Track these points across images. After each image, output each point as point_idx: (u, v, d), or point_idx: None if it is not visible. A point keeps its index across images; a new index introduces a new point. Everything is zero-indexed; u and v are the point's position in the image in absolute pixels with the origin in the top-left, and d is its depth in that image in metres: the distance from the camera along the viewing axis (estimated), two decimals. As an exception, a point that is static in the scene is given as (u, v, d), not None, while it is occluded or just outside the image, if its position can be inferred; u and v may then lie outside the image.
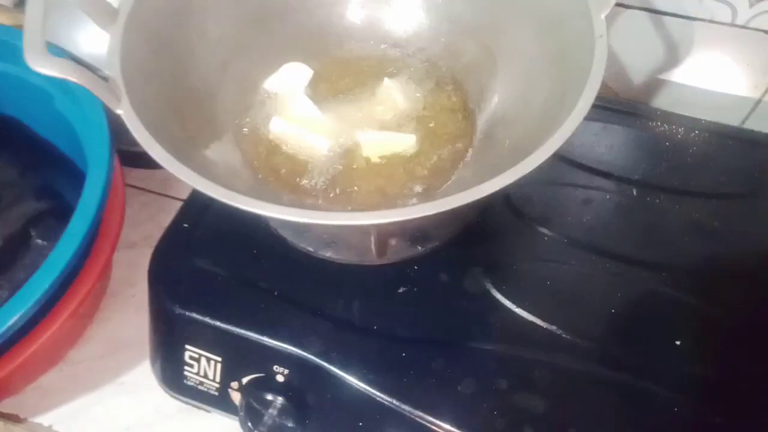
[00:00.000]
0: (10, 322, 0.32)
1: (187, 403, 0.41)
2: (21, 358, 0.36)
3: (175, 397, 0.41)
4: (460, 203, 0.27)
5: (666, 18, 0.50)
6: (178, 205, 0.55)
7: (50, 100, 0.45)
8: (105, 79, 0.31)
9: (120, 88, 0.31)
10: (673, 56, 0.52)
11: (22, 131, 0.47)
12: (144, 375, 0.44)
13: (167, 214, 0.54)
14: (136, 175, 0.54)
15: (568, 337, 0.36)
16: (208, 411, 0.41)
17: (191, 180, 0.29)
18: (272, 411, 0.35)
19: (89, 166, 0.38)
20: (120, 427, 0.42)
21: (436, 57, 0.44)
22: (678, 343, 0.36)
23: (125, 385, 0.44)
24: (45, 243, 0.37)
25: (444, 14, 0.43)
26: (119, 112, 0.30)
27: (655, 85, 0.54)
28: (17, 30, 0.48)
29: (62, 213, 0.39)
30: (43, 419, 0.43)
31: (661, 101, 0.55)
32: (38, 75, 0.45)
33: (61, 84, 0.44)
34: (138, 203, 0.54)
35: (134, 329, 0.46)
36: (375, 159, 0.38)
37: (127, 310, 0.47)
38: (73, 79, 0.29)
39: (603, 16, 0.33)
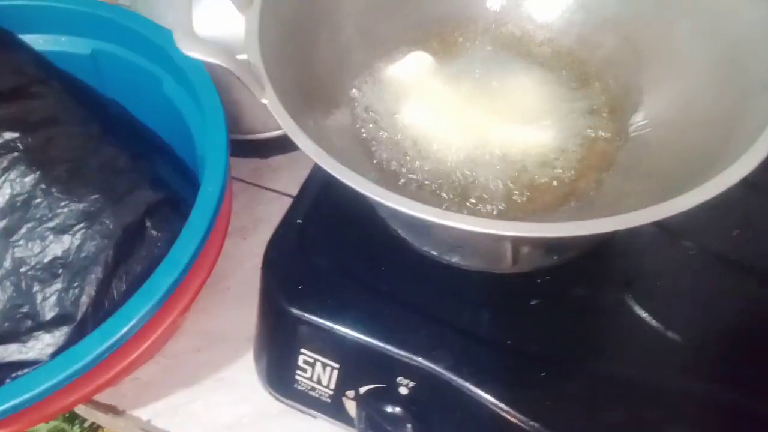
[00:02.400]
0: (138, 317, 0.30)
1: (292, 406, 0.39)
2: (138, 351, 0.34)
3: (279, 400, 0.39)
4: (640, 222, 0.24)
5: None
6: (270, 195, 0.54)
7: (158, 84, 0.43)
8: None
9: (263, 75, 0.29)
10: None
11: (126, 115, 0.46)
12: (242, 371, 0.43)
13: (258, 204, 0.53)
14: (228, 163, 0.53)
15: (718, 363, 0.33)
16: (314, 417, 0.39)
17: (344, 175, 0.26)
18: (395, 424, 0.33)
19: (208, 157, 0.36)
20: (220, 425, 0.41)
21: (568, 49, 0.40)
22: None
23: (223, 382, 0.43)
24: (160, 234, 0.35)
25: (580, 2, 0.40)
26: (264, 100, 0.28)
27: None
28: (120, 7, 0.46)
29: (174, 203, 0.38)
30: (142, 413, 0.42)
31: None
32: (146, 58, 0.45)
33: (170, 68, 0.43)
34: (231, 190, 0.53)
35: (230, 323, 0.45)
36: (511, 155, 0.35)
37: (223, 303, 0.46)
38: (225, 64, 0.27)
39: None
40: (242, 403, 0.41)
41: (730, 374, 0.33)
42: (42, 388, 0.29)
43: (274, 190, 0.53)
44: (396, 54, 0.40)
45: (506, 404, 0.32)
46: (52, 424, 0.85)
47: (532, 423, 0.31)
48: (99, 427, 0.90)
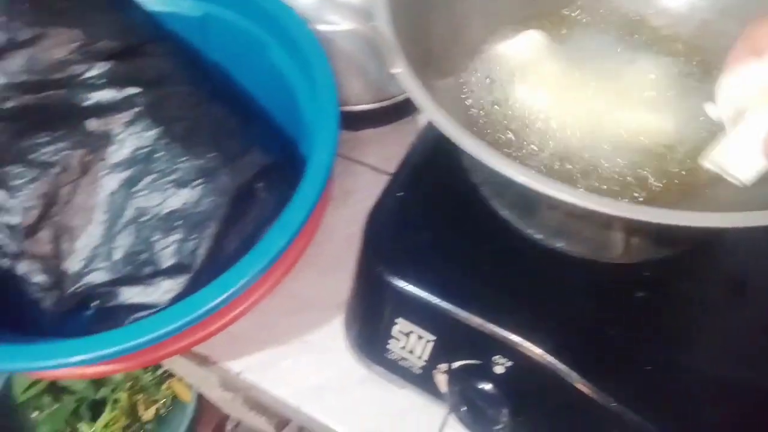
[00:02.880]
0: (251, 274, 0.32)
1: (380, 374, 0.40)
2: (242, 307, 0.36)
3: (369, 367, 0.40)
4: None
5: None
6: (360, 168, 0.54)
7: (265, 51, 0.44)
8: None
9: (393, 45, 0.29)
10: None
11: (231, 79, 0.47)
12: (329, 337, 0.44)
13: (348, 176, 0.53)
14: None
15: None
16: (401, 387, 0.40)
17: (480, 153, 0.26)
18: (490, 402, 0.33)
19: (318, 126, 0.37)
20: (309, 385, 0.42)
21: (689, 35, 0.39)
22: None
23: (310, 344, 0.44)
24: (269, 196, 0.36)
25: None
26: (396, 71, 0.28)
27: None
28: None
29: (282, 167, 0.39)
30: (233, 365, 0.43)
31: None
32: (255, 24, 0.45)
33: (279, 35, 0.43)
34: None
35: (318, 290, 0.46)
36: (629, 142, 0.34)
37: (313, 269, 0.47)
38: (363, 28, 0.27)
39: None
40: (328, 366, 0.43)
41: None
42: (161, 332, 0.31)
43: (363, 163, 0.53)
44: (510, 32, 0.39)
45: (605, 393, 0.31)
46: (127, 368, 0.89)
47: (631, 416, 0.31)
48: (170, 375, 0.94)
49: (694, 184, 0.34)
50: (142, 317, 0.32)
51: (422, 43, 0.35)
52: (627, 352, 0.32)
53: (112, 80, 0.39)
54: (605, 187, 0.33)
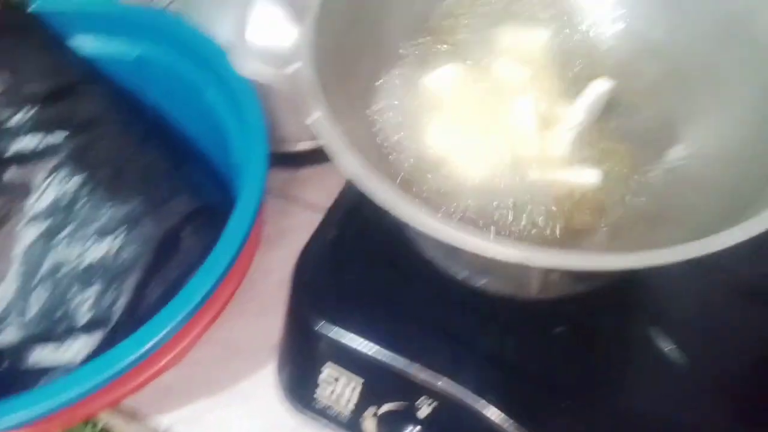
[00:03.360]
0: (171, 325, 0.31)
1: (311, 419, 0.39)
2: (166, 359, 0.35)
3: (298, 413, 0.40)
4: (678, 258, 0.25)
5: None
6: (298, 207, 0.54)
7: (200, 92, 0.44)
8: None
9: (315, 91, 0.30)
10: None
11: (165, 120, 0.47)
12: (261, 384, 0.43)
13: (286, 216, 0.53)
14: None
15: (746, 405, 0.33)
16: (332, 432, 0.39)
17: (390, 201, 0.27)
18: (416, 445, 0.33)
19: (248, 168, 0.37)
20: (238, 436, 0.41)
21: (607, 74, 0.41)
22: None
23: (242, 393, 0.43)
24: (195, 241, 0.36)
25: (627, 27, 0.40)
26: (315, 115, 0.29)
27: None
28: (168, 14, 0.47)
29: (211, 210, 0.38)
30: (161, 420, 0.42)
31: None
32: (190, 65, 0.46)
33: (213, 77, 0.44)
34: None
35: (252, 335, 0.45)
36: (539, 179, 0.35)
37: (246, 314, 0.46)
38: (278, 81, 0.27)
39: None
40: (259, 415, 0.42)
41: (756, 413, 0.33)
42: (73, 394, 0.29)
43: (302, 202, 0.54)
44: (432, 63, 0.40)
45: (526, 430, 0.32)
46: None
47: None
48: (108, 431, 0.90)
49: (607, 220, 0.35)
50: (54, 378, 0.31)
51: (345, 85, 0.36)
52: (546, 388, 0.33)
53: (38, 125, 0.38)
54: (515, 227, 0.34)
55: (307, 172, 0.55)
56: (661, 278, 0.37)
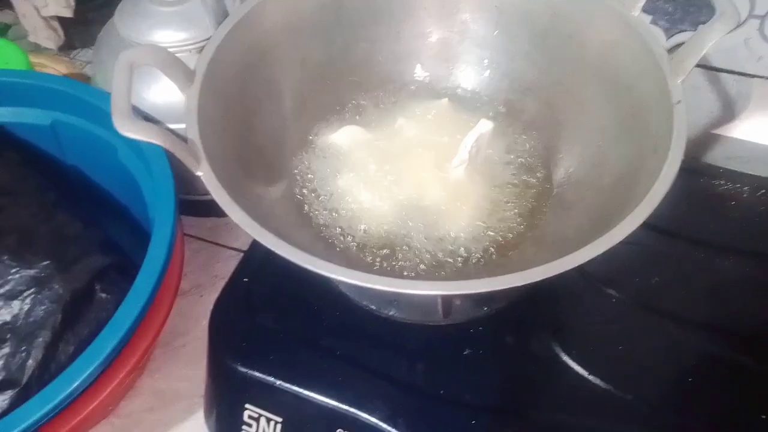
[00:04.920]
0: (79, 380, 0.32)
1: (241, 463, 0.40)
2: (83, 413, 0.35)
3: (229, 457, 0.40)
4: (548, 275, 0.27)
5: (722, 75, 0.49)
6: (228, 253, 0.55)
7: (113, 152, 0.45)
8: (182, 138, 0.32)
9: (199, 150, 0.31)
10: (729, 112, 0.51)
11: (84, 181, 0.48)
12: (194, 430, 0.43)
13: (216, 262, 0.54)
14: (185, 222, 0.55)
15: (643, 408, 0.35)
16: (263, 472, 0.40)
17: (274, 245, 0.29)
18: (335, 478, 0.34)
19: (155, 222, 0.38)
20: (170, 486, 0.41)
21: (494, 114, 0.44)
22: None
23: (176, 441, 0.43)
24: (108, 297, 0.37)
25: (503, 73, 0.44)
26: (199, 173, 0.31)
27: (708, 140, 0.54)
28: (77, 81, 0.49)
29: (124, 266, 0.39)
30: (95, 474, 0.42)
31: (715, 156, 0.54)
32: (102, 128, 0.47)
33: (124, 137, 0.45)
34: (188, 251, 0.54)
35: (185, 381, 0.46)
36: (438, 220, 0.38)
37: (177, 361, 0.47)
38: (159, 143, 0.29)
39: (679, 81, 0.33)
40: (193, 461, 0.42)
41: (655, 419, 0.34)
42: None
43: (231, 248, 0.55)
44: (333, 123, 0.43)
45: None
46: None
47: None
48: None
49: (502, 249, 0.37)
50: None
51: (246, 143, 0.38)
52: (457, 409, 0.34)
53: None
54: (412, 258, 0.36)
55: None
56: (560, 296, 0.40)
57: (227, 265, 0.53)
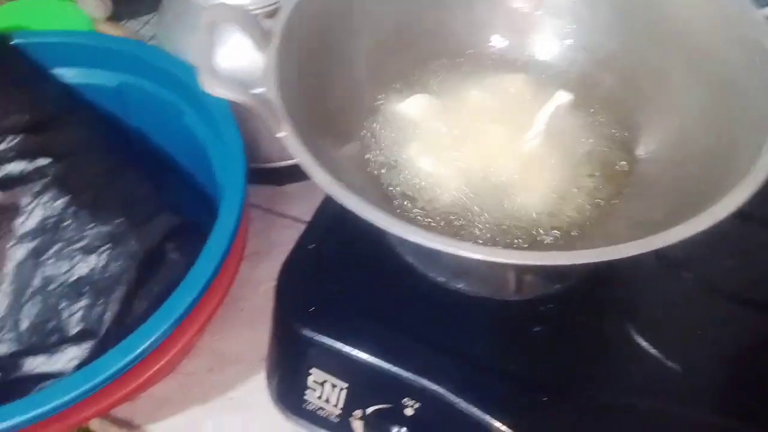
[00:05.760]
0: (156, 335, 0.32)
1: (301, 426, 0.40)
2: (154, 368, 0.36)
3: (289, 419, 0.41)
4: (641, 251, 0.26)
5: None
6: (284, 221, 0.55)
7: (180, 115, 0.46)
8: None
9: (280, 111, 0.31)
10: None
11: (148, 143, 0.48)
12: (253, 392, 0.44)
13: (273, 230, 0.54)
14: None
15: (718, 393, 0.34)
16: (322, 436, 0.40)
17: (356, 206, 0.28)
18: (400, 445, 0.34)
19: (227, 185, 0.38)
20: (231, 445, 0.42)
21: (570, 87, 0.42)
22: None
23: (235, 401, 0.44)
24: (178, 257, 0.37)
25: (580, 44, 0.42)
26: (281, 134, 0.30)
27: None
28: (145, 44, 0.49)
29: (192, 228, 0.40)
30: (156, 428, 0.43)
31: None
32: (169, 90, 0.47)
33: (192, 101, 0.45)
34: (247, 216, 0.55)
35: (243, 344, 0.46)
36: (509, 191, 0.37)
37: (236, 325, 0.47)
38: (244, 101, 0.29)
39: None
40: (252, 423, 0.43)
41: (728, 403, 0.34)
42: (65, 399, 0.30)
43: (288, 216, 0.55)
44: (403, 90, 0.42)
45: (507, 427, 0.33)
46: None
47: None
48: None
49: (577, 222, 0.36)
50: (47, 386, 0.32)
51: (319, 107, 0.37)
52: (525, 386, 0.34)
53: (22, 152, 0.39)
54: (489, 236, 0.35)
55: (292, 188, 0.57)
56: (633, 277, 0.39)
57: (283, 233, 0.54)
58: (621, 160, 0.38)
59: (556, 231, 0.35)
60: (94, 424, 0.45)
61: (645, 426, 0.33)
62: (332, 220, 0.42)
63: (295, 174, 0.56)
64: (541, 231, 0.36)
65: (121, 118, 0.48)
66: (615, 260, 0.26)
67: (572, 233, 0.35)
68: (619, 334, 0.36)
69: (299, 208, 0.55)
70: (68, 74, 0.48)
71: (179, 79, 0.45)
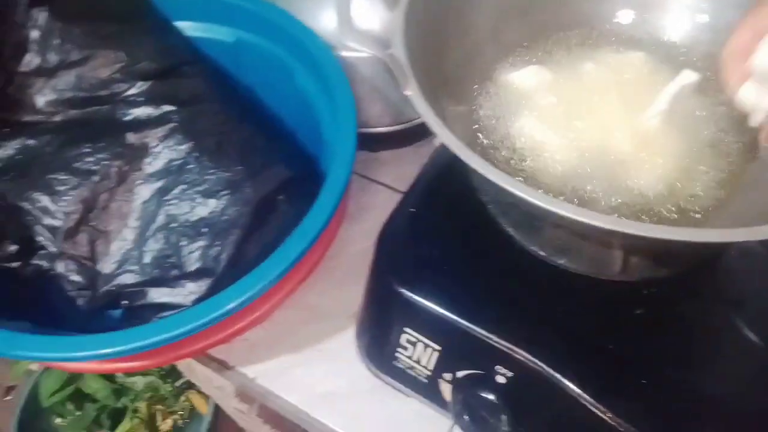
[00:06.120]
0: (271, 278, 0.34)
1: (387, 383, 0.41)
2: (261, 311, 0.38)
3: (377, 376, 0.42)
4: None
5: None
6: (376, 187, 0.56)
7: (291, 74, 0.47)
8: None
9: (407, 70, 0.31)
10: None
11: (260, 100, 0.50)
12: (341, 346, 0.45)
13: (365, 194, 0.56)
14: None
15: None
16: (407, 395, 0.41)
17: (482, 168, 0.28)
18: (491, 410, 0.35)
19: (337, 143, 0.39)
20: (318, 392, 0.44)
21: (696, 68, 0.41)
22: None
23: (323, 353, 0.46)
24: (289, 207, 0.39)
25: (713, 23, 0.40)
26: (408, 93, 0.31)
27: None
28: (266, 2, 0.50)
29: (303, 181, 0.41)
30: (248, 371, 0.45)
31: None
32: (283, 49, 0.48)
33: (305, 60, 0.46)
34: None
35: (334, 301, 0.48)
36: (623, 171, 0.36)
37: (329, 281, 0.49)
38: (379, 54, 0.29)
39: None
40: (339, 375, 0.44)
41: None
42: (182, 330, 0.33)
43: (380, 183, 0.56)
44: (520, 58, 0.42)
45: (603, 405, 0.32)
46: (149, 378, 0.93)
47: (627, 426, 0.32)
48: (189, 387, 0.96)
49: (697, 205, 0.35)
50: (167, 316, 0.34)
51: (437, 70, 0.38)
52: (624, 367, 0.34)
53: (150, 98, 0.42)
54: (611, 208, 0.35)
55: (386, 155, 0.57)
56: (739, 267, 0.37)
57: (375, 198, 0.55)
58: (745, 147, 0.36)
59: (674, 211, 0.34)
60: (182, 364, 0.48)
61: (743, 419, 0.32)
62: (432, 188, 0.42)
63: (389, 141, 0.57)
64: (662, 210, 0.35)
65: (235, 73, 0.50)
66: (736, 243, 0.25)
67: (689, 214, 0.34)
68: (725, 324, 0.35)
69: (391, 176, 0.56)
70: (189, 27, 0.50)
71: (294, 37, 0.46)
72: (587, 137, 0.37)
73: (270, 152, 0.41)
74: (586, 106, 0.39)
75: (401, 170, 0.57)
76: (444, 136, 0.29)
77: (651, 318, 0.35)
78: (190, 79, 0.45)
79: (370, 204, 0.54)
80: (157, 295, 0.36)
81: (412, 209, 0.41)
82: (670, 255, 0.35)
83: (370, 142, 0.57)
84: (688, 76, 0.36)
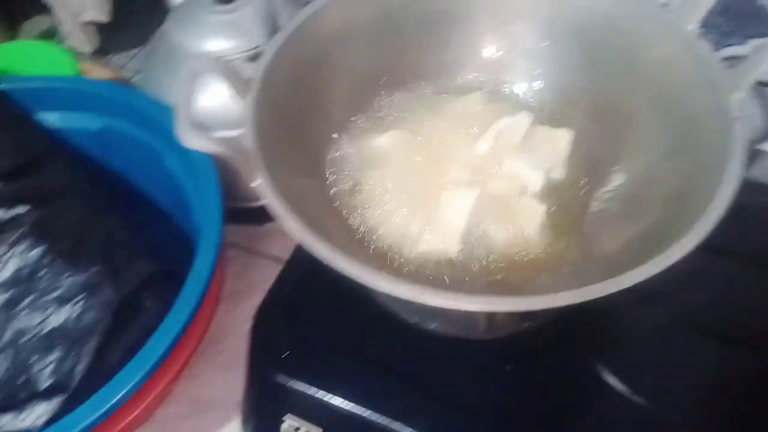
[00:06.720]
0: (128, 387, 0.32)
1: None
2: (126, 420, 0.35)
3: (266, 465, 0.40)
4: (604, 293, 0.26)
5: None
6: (264, 261, 0.56)
7: (160, 158, 0.46)
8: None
9: (257, 160, 0.31)
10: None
11: (129, 186, 0.48)
12: (230, 438, 0.43)
13: (253, 270, 0.54)
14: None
15: (690, 430, 0.34)
16: (300, 483, 0.40)
17: (331, 258, 0.29)
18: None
19: (203, 230, 0.38)
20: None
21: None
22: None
23: (211, 448, 0.43)
24: (154, 304, 0.37)
25: (552, 85, 0.43)
26: (255, 183, 0.31)
27: (753, 155, 0.53)
28: (127, 88, 0.50)
29: (168, 272, 0.40)
30: (132, 479, 0.42)
31: (758, 174, 0.53)
32: (150, 134, 0.48)
33: (171, 144, 0.46)
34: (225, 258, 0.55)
35: (220, 389, 0.46)
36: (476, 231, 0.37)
37: (213, 368, 0.47)
38: (221, 154, 0.29)
39: (736, 97, 0.32)
40: (229, 469, 0.42)
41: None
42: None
43: (268, 256, 0.55)
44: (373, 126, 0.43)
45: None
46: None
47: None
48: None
49: (543, 265, 0.37)
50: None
51: (295, 151, 0.38)
52: (497, 426, 0.34)
53: (1, 200, 0.40)
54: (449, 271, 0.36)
55: (272, 226, 0.57)
56: (601, 311, 0.39)
57: (263, 273, 0.54)
58: (584, 195, 0.39)
59: (505, 264, 0.35)
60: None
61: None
62: (307, 263, 0.42)
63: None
64: (490, 260, 0.36)
65: (102, 161, 0.49)
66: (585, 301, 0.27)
67: (524, 266, 0.35)
68: (589, 371, 0.36)
69: (279, 248, 0.55)
70: (51, 118, 0.49)
71: (160, 122, 0.45)
72: (426, 192, 0.38)
73: (134, 246, 0.40)
74: (425, 155, 0.40)
75: (289, 241, 0.56)
76: (288, 223, 0.29)
77: (520, 373, 0.36)
78: (48, 175, 0.43)
79: (259, 281, 0.53)
80: (2, 423, 0.33)
81: (287, 289, 0.41)
82: (528, 311, 0.37)
83: (256, 216, 0.56)
84: (522, 117, 0.39)
